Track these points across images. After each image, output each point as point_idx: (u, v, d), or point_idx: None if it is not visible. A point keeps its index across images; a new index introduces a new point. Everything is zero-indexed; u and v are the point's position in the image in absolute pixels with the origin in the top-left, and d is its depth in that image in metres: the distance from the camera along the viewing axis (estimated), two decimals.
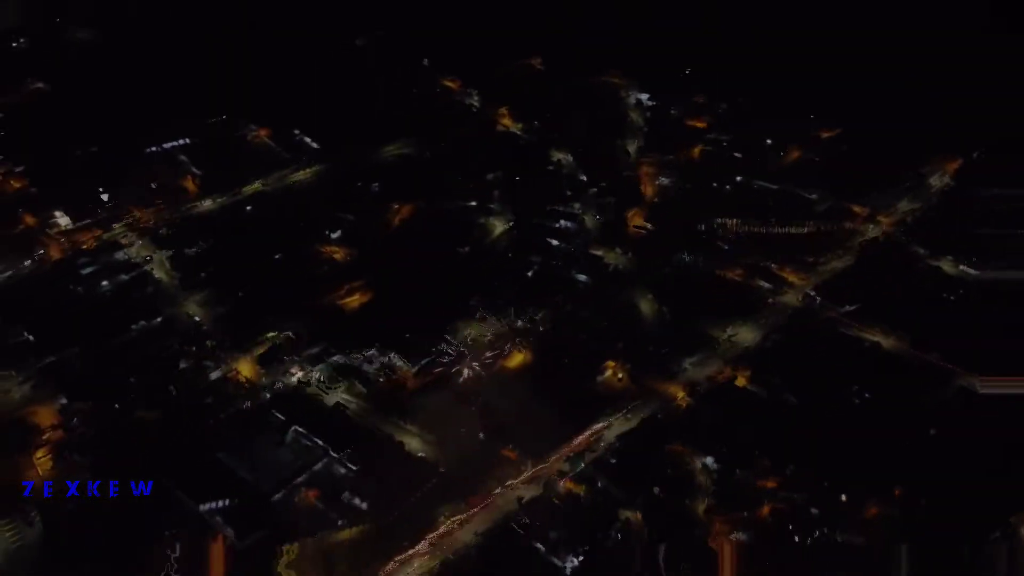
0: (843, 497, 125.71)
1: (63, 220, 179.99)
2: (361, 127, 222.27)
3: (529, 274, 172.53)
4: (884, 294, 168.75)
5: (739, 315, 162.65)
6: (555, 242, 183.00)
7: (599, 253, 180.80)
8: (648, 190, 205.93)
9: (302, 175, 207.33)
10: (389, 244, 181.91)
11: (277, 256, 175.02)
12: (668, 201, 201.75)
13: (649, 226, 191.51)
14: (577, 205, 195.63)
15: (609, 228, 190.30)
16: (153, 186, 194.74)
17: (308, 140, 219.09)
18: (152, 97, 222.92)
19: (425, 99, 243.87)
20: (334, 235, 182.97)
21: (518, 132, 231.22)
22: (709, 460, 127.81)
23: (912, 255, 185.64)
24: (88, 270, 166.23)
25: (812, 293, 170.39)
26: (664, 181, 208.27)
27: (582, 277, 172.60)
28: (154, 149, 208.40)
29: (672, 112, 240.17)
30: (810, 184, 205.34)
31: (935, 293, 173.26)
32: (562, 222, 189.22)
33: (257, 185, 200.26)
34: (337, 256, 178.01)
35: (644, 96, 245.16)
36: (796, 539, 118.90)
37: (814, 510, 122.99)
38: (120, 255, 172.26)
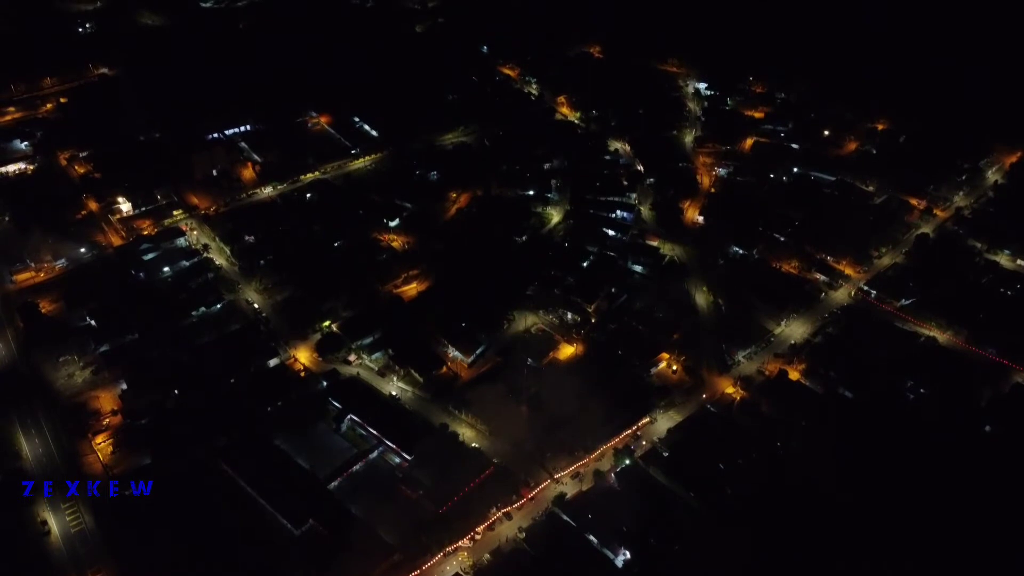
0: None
1: (125, 206, 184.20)
2: (420, 115, 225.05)
3: (585, 264, 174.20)
4: (940, 288, 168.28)
5: (794, 308, 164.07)
6: (611, 232, 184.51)
7: (655, 244, 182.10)
8: (705, 181, 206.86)
9: (361, 163, 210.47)
10: (447, 232, 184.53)
11: (336, 244, 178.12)
12: (725, 192, 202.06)
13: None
14: (634, 195, 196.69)
15: (666, 218, 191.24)
16: (214, 173, 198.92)
17: (368, 128, 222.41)
18: (215, 84, 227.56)
19: (484, 87, 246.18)
20: (392, 223, 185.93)
21: (576, 121, 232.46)
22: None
23: (969, 249, 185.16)
24: (150, 256, 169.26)
25: (866, 288, 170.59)
26: (721, 171, 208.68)
27: (638, 268, 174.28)
28: (215, 136, 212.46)
29: (730, 102, 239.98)
30: (867, 175, 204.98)
31: (992, 287, 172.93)
32: (618, 212, 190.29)
33: (317, 173, 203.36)
34: (395, 244, 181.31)
35: (702, 85, 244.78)
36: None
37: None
38: (181, 241, 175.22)
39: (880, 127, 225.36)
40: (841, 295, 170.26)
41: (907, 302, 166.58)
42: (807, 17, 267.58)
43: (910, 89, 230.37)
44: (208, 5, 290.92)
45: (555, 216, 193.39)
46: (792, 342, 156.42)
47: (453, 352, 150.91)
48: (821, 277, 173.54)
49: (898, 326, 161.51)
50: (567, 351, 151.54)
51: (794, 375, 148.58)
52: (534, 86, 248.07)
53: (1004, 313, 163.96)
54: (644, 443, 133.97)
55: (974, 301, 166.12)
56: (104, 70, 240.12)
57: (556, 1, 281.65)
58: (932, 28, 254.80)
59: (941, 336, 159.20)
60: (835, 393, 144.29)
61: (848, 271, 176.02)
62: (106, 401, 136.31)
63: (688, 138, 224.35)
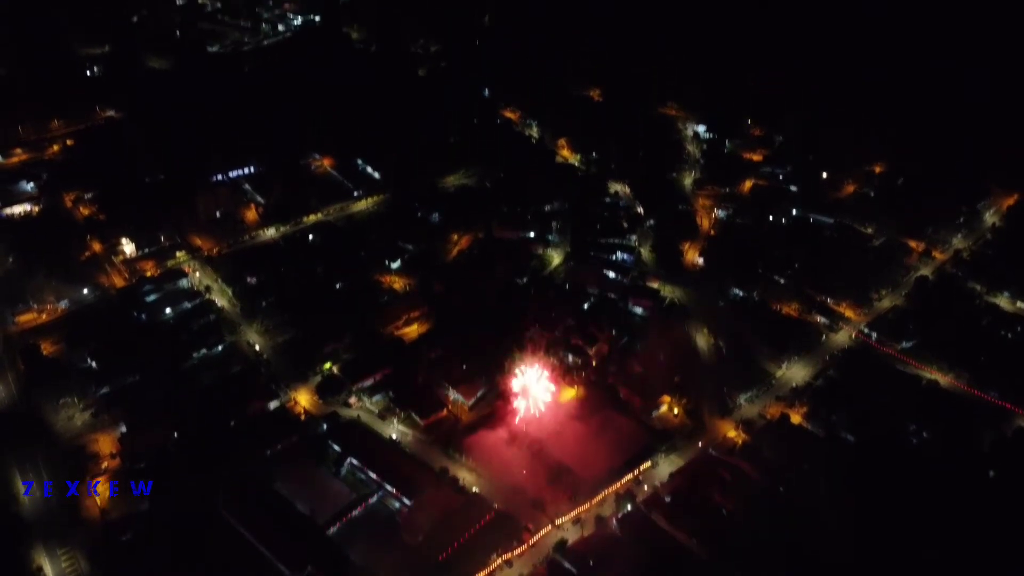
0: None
1: (128, 247, 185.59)
2: (422, 158, 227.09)
3: (585, 306, 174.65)
4: (941, 331, 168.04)
5: (795, 350, 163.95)
6: (612, 274, 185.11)
7: (655, 286, 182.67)
8: (705, 223, 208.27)
9: (363, 205, 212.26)
10: (448, 274, 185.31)
11: (338, 285, 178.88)
12: (725, 234, 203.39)
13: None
14: (634, 237, 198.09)
15: (666, 260, 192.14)
16: (217, 215, 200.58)
17: (370, 170, 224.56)
18: (219, 127, 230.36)
19: (486, 130, 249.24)
20: (394, 265, 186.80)
21: (576, 163, 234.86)
22: None
23: (969, 291, 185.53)
24: (152, 297, 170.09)
25: (867, 330, 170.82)
26: (721, 214, 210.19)
27: (638, 310, 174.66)
28: (219, 178, 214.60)
29: (729, 145, 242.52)
30: (866, 218, 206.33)
31: (993, 330, 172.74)
32: (619, 254, 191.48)
33: (319, 215, 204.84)
34: (397, 286, 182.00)
35: (701, 128, 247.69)
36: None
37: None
38: (183, 283, 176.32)
39: (878, 170, 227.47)
40: (842, 337, 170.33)
41: (908, 345, 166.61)
42: (805, 61, 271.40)
43: (908, 132, 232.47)
44: (214, 50, 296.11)
45: (556, 258, 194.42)
46: (793, 385, 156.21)
47: (454, 395, 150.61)
48: (822, 319, 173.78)
49: (899, 369, 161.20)
50: (568, 394, 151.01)
51: (796, 418, 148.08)
52: (535, 129, 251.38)
53: (1005, 356, 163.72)
54: (646, 488, 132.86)
55: (975, 344, 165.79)
56: (111, 113, 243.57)
57: (557, 46, 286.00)
58: (928, 72, 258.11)
59: (943, 379, 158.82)
60: (837, 437, 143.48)
61: (848, 313, 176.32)
62: (105, 444, 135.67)
63: (688, 180, 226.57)
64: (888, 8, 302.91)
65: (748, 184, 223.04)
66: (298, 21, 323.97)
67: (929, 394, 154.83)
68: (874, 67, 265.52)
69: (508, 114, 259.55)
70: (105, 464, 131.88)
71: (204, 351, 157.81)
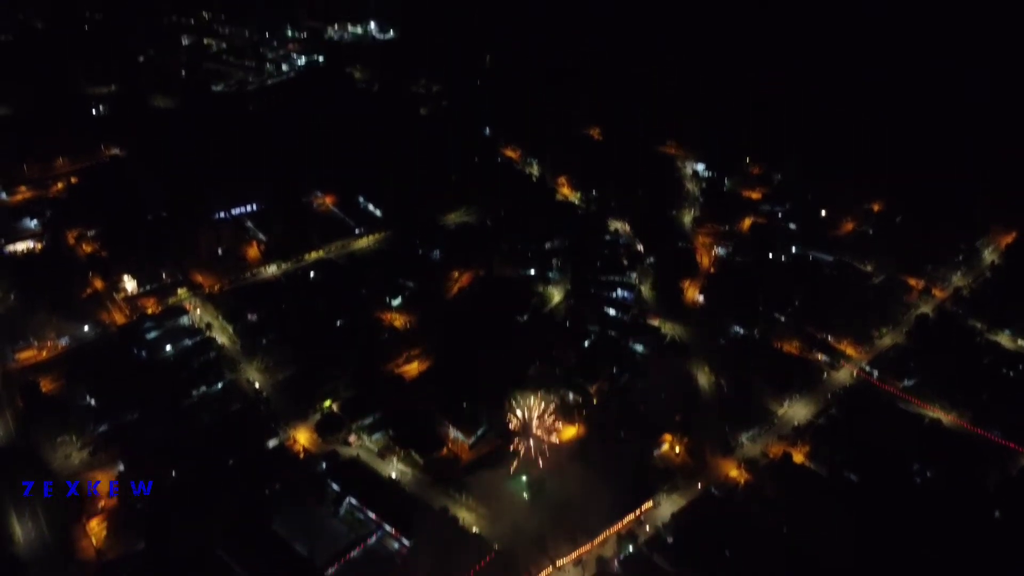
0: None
1: (130, 284, 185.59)
2: (424, 195, 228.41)
3: (586, 344, 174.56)
4: (943, 369, 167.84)
5: (797, 388, 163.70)
6: (612, 312, 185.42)
7: (656, 323, 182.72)
8: (705, 260, 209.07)
9: (365, 242, 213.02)
10: (449, 311, 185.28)
11: (339, 323, 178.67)
12: (725, 271, 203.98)
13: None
14: (634, 275, 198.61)
15: (666, 298, 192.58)
16: (220, 252, 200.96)
17: (372, 208, 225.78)
18: (223, 164, 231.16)
19: (486, 168, 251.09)
20: (395, 302, 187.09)
21: (576, 201, 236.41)
22: None
23: (969, 329, 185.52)
24: (152, 335, 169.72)
25: (868, 368, 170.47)
26: (720, 251, 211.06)
27: (639, 348, 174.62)
28: (222, 215, 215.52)
29: (728, 183, 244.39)
30: (865, 256, 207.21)
31: (995, 368, 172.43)
32: (619, 292, 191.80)
33: (321, 252, 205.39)
34: (397, 323, 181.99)
35: (700, 167, 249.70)
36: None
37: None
38: (184, 320, 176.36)
39: (876, 208, 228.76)
40: (843, 375, 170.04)
41: (909, 383, 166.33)
42: (803, 99, 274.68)
43: (906, 170, 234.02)
44: (219, 89, 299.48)
45: (556, 295, 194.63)
46: (796, 423, 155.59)
47: (454, 433, 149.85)
48: (823, 357, 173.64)
49: (901, 407, 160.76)
50: (569, 432, 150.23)
51: (798, 457, 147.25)
52: (535, 167, 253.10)
53: (1008, 394, 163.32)
54: (648, 528, 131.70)
55: (977, 382, 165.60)
56: (116, 151, 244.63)
57: (557, 86, 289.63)
58: (924, 112, 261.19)
59: (945, 418, 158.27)
60: (841, 476, 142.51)
61: (849, 351, 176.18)
62: (102, 483, 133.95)
63: (687, 218, 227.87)
64: (885, 47, 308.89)
65: (748, 222, 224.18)
66: (302, 61, 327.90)
67: (932, 433, 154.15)
68: (871, 106, 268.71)
69: (509, 153, 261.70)
70: (102, 503, 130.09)
71: (204, 389, 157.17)
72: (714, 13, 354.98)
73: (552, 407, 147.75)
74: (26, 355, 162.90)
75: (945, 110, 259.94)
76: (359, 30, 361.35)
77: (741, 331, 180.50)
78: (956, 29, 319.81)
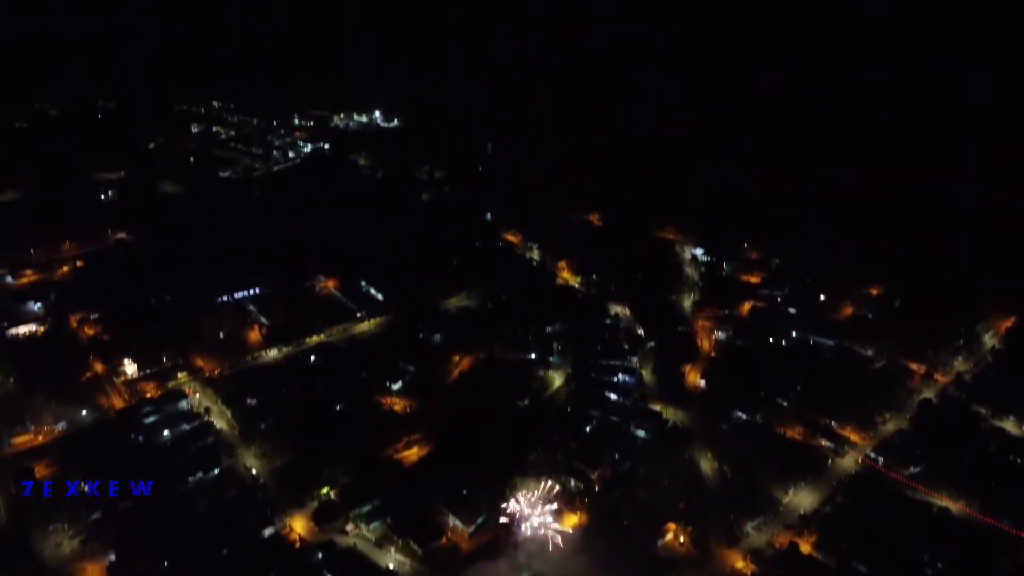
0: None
1: (131, 368, 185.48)
2: (425, 279, 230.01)
3: (587, 429, 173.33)
4: (949, 455, 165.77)
5: (801, 475, 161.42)
6: (613, 396, 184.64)
7: (658, 408, 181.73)
8: (705, 344, 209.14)
9: (366, 326, 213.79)
10: (449, 396, 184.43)
11: (338, 407, 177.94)
12: (726, 356, 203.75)
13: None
14: (635, 359, 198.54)
15: (668, 383, 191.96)
16: (221, 336, 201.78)
17: (373, 292, 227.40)
18: (227, 249, 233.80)
19: (487, 253, 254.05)
20: (395, 386, 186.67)
21: (577, 286, 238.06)
22: None
23: (974, 415, 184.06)
24: (151, 419, 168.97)
25: (873, 455, 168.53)
26: (721, 335, 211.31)
27: (641, 433, 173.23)
28: (225, 299, 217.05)
29: (726, 267, 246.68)
30: (866, 340, 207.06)
31: (1001, 455, 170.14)
32: (620, 376, 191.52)
33: (322, 336, 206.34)
34: (397, 408, 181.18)
35: (699, 251, 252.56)
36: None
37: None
38: (183, 404, 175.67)
39: (875, 292, 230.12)
40: (848, 462, 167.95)
41: (915, 470, 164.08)
42: (800, 184, 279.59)
43: (903, 255, 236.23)
44: (226, 175, 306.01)
45: (557, 380, 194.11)
46: (801, 512, 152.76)
47: (453, 521, 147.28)
48: (827, 443, 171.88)
49: (908, 495, 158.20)
50: (570, 520, 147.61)
51: (805, 548, 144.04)
52: (536, 252, 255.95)
53: (1016, 482, 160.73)
54: None
55: (984, 469, 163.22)
56: (122, 235, 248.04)
57: (557, 173, 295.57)
58: (919, 192, 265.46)
59: (954, 506, 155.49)
60: (849, 568, 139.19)
61: (853, 437, 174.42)
62: (93, 574, 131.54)
63: (687, 302, 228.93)
64: (878, 129, 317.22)
65: (747, 306, 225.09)
66: (308, 148, 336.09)
67: (941, 522, 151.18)
68: (867, 191, 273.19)
69: (510, 237, 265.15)
70: None
71: (200, 475, 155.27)
72: (708, 98, 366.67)
73: (554, 494, 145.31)
74: (22, 440, 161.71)
75: (938, 198, 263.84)
76: (364, 118, 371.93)
77: (743, 416, 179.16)
78: (949, 108, 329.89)
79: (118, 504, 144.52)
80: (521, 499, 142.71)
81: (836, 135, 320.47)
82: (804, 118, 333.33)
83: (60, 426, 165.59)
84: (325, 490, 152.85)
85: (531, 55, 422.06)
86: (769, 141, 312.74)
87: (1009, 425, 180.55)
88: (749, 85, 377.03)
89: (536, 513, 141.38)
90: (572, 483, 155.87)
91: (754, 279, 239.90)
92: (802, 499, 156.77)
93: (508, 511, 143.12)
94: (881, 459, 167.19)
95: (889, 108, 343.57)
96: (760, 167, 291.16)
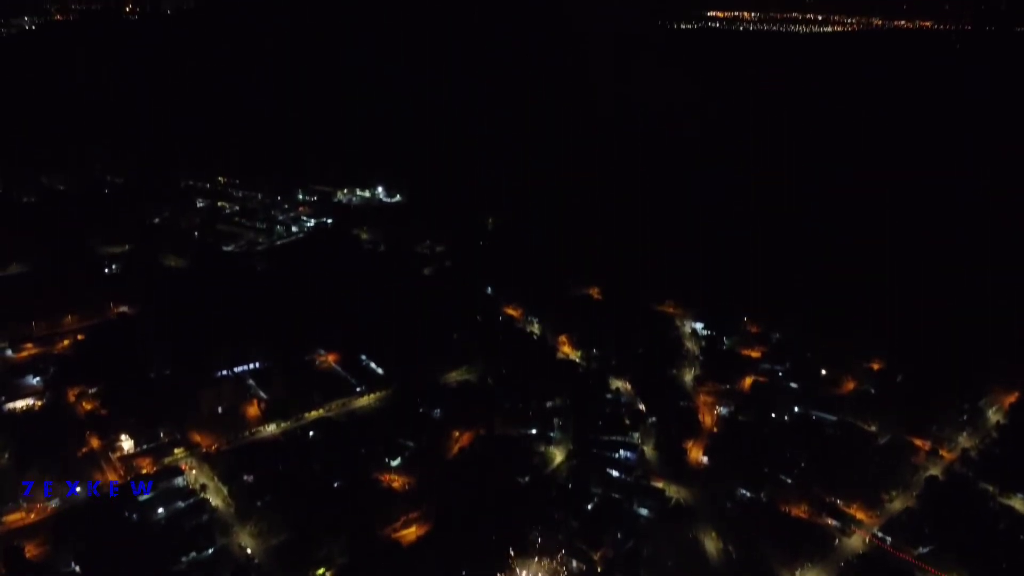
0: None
1: (127, 443, 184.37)
2: (426, 354, 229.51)
3: (589, 507, 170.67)
4: (958, 535, 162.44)
5: (808, 555, 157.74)
6: (615, 473, 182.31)
7: (660, 486, 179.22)
8: (707, 420, 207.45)
9: (366, 401, 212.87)
10: (448, 473, 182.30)
11: (336, 484, 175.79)
12: (728, 432, 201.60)
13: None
14: (636, 435, 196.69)
15: (670, 459, 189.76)
16: (220, 411, 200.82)
17: (374, 366, 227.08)
18: (229, 323, 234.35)
19: (488, 327, 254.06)
20: (394, 462, 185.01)
21: (577, 360, 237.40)
22: None
23: (981, 492, 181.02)
24: (145, 497, 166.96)
25: (881, 534, 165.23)
26: (723, 411, 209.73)
27: (643, 511, 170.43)
28: (224, 373, 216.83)
29: (727, 341, 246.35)
30: (868, 415, 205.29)
31: (1011, 534, 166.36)
32: (622, 452, 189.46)
33: (321, 411, 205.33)
34: (396, 485, 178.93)
35: (699, 325, 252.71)
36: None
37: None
38: (179, 481, 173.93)
39: (876, 367, 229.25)
40: (855, 542, 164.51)
41: (925, 550, 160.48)
42: (799, 258, 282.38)
43: (904, 331, 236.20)
44: (230, 249, 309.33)
45: (558, 456, 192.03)
46: None
47: None
48: (833, 522, 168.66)
49: None
50: None
51: None
52: (536, 325, 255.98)
53: None
54: None
55: (995, 549, 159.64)
56: (124, 308, 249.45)
57: (557, 248, 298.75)
58: (917, 271, 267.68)
59: None
60: None
61: (860, 516, 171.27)
62: None
63: (688, 377, 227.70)
64: (875, 205, 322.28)
65: (748, 381, 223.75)
66: (311, 223, 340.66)
67: None
68: (867, 265, 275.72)
69: (510, 311, 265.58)
70: None
71: (194, 554, 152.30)
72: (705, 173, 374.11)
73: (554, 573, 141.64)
74: (13, 517, 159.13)
75: (937, 272, 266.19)
76: (367, 194, 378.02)
77: (747, 494, 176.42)
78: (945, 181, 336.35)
79: None
80: None
81: (832, 210, 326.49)
82: (801, 193, 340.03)
83: (53, 503, 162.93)
84: (321, 571, 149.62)
85: (529, 135, 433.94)
86: (766, 216, 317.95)
87: (1017, 503, 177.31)
88: (746, 162, 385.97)
89: None
90: (573, 563, 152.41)
91: (755, 353, 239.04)
92: None
93: None
94: (889, 539, 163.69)
95: (886, 177, 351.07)
96: (759, 240, 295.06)
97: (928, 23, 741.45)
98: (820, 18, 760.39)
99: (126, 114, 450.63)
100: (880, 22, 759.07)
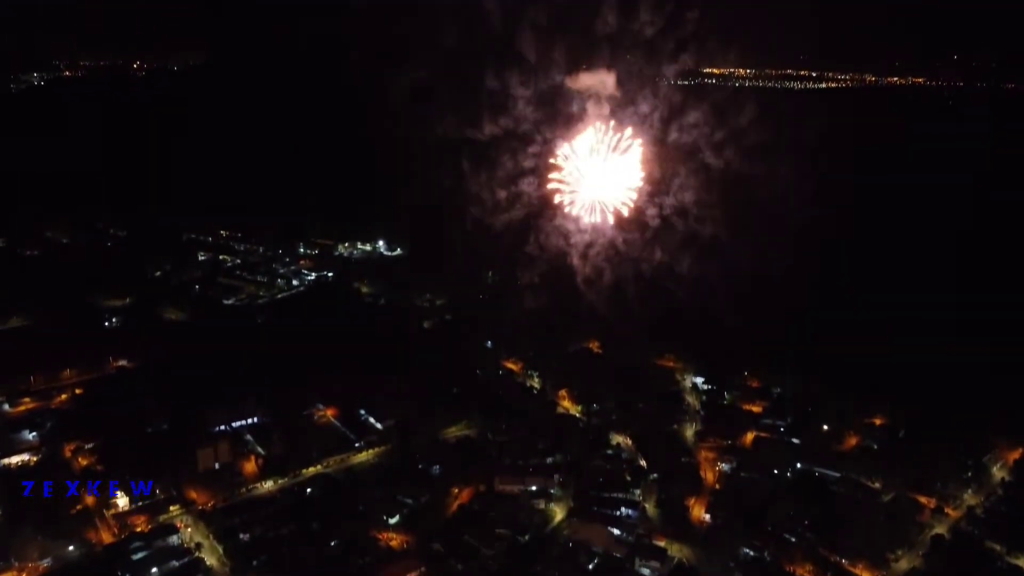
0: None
1: (122, 500, 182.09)
2: (425, 409, 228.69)
3: (590, 567, 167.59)
4: None
5: None
6: (616, 531, 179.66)
7: (662, 544, 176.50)
8: (709, 476, 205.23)
9: (364, 456, 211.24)
10: (448, 530, 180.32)
11: (333, 543, 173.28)
12: (730, 488, 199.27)
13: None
14: (637, 491, 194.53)
15: (672, 517, 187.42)
16: (216, 466, 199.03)
17: (373, 421, 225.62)
18: (227, 377, 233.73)
19: (488, 381, 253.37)
20: (392, 520, 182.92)
21: (577, 415, 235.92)
22: None
23: (988, 552, 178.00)
24: (139, 555, 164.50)
25: None
26: (725, 467, 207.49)
27: (646, 572, 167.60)
28: (222, 429, 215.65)
29: (727, 396, 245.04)
30: (871, 472, 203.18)
31: None
32: (623, 509, 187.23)
33: (319, 467, 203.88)
34: (394, 543, 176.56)
35: (699, 380, 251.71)
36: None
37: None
38: (174, 539, 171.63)
39: (878, 422, 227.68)
40: None
41: None
42: (798, 310, 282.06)
43: (905, 385, 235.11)
44: (230, 302, 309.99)
45: (558, 513, 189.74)
46: None
47: None
48: None
49: None
50: None
51: None
52: (536, 380, 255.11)
53: None
54: None
55: None
56: (123, 362, 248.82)
57: (557, 302, 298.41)
58: (919, 333, 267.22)
59: None
60: None
61: None
62: None
63: (689, 432, 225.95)
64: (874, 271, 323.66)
65: (750, 436, 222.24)
66: (312, 277, 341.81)
67: None
68: (864, 321, 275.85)
69: (510, 365, 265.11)
70: None
71: None
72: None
73: None
74: None
75: (937, 328, 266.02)
76: (368, 247, 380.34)
77: (751, 553, 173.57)
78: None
79: None
80: None
81: (831, 262, 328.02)
82: (800, 246, 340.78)
83: (45, 562, 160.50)
84: None
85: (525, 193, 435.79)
86: (764, 275, 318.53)
87: None
88: (744, 216, 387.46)
89: None
90: None
91: (756, 408, 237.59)
92: None
93: None
94: None
95: (885, 230, 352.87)
96: (757, 299, 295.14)
97: (920, 79, 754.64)
98: (815, 75, 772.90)
99: (131, 167, 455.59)
100: (873, 79, 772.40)
